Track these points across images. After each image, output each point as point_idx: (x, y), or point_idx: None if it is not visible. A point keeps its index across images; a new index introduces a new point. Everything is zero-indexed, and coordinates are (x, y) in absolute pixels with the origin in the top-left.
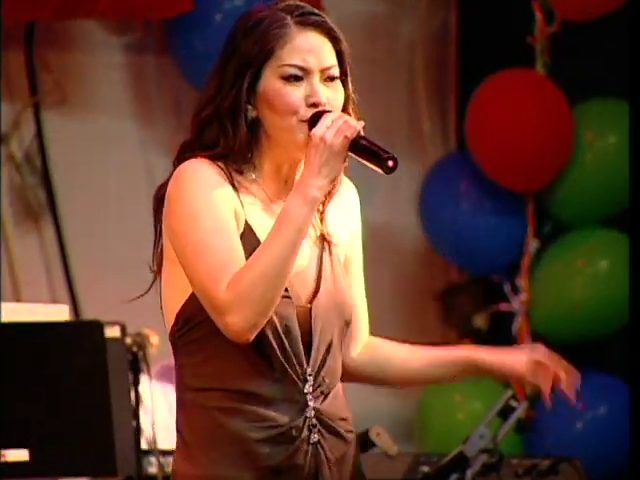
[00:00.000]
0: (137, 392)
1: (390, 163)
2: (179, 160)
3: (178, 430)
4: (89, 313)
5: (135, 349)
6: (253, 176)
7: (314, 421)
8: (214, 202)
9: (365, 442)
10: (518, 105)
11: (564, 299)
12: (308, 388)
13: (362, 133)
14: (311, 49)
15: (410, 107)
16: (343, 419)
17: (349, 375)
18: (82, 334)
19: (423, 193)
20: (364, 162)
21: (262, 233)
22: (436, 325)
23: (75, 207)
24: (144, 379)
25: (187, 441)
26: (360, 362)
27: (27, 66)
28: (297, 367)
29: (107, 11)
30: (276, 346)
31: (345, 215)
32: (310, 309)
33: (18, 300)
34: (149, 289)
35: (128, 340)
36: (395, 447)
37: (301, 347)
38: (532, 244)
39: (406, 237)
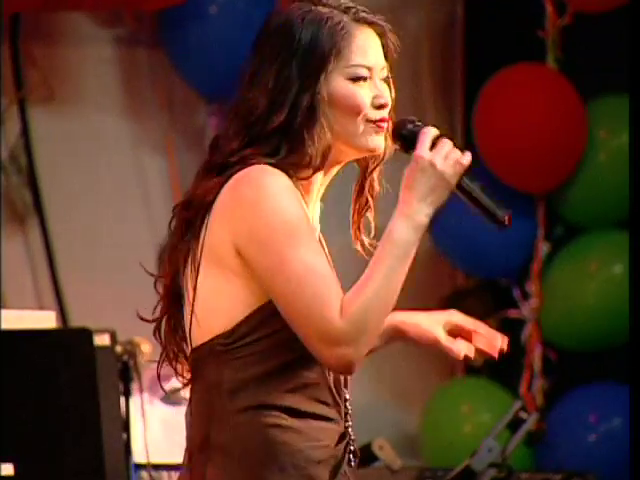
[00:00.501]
0: (127, 403)
1: (506, 220)
2: (223, 171)
3: (220, 448)
4: (77, 320)
5: (126, 358)
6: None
7: (352, 444)
8: (305, 219)
9: (368, 455)
10: (528, 102)
11: (577, 305)
12: (344, 409)
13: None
14: (372, 47)
15: (415, 103)
16: None
17: None
18: (70, 342)
19: None
20: (469, 204)
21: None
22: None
23: (63, 209)
24: (135, 389)
25: (239, 459)
26: None
27: (12, 60)
28: (340, 388)
29: (97, 3)
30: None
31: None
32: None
33: (2, 306)
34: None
35: (118, 348)
36: (399, 461)
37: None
38: (543, 247)
39: None
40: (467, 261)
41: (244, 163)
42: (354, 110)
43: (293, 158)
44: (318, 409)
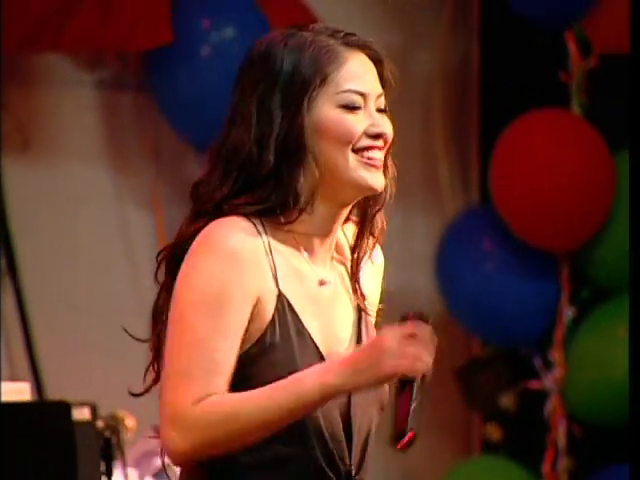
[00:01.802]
0: None
1: (399, 445)
2: (208, 212)
3: None
4: (54, 392)
5: (108, 434)
6: (292, 229)
7: None
8: (230, 293)
9: None
10: (550, 152)
11: (605, 376)
12: None
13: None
14: (366, 72)
15: (426, 153)
16: None
17: None
18: (46, 416)
19: (441, 253)
20: (396, 403)
21: (298, 300)
22: (456, 406)
23: (39, 270)
24: (118, 468)
25: None
26: None
27: None
28: (339, 464)
29: (77, 43)
30: (316, 442)
31: (373, 274)
32: (349, 396)
33: None
34: (151, 367)
35: (100, 423)
36: None
37: (343, 441)
38: (567, 312)
39: (421, 304)
40: (484, 327)
41: (228, 213)
42: (344, 139)
43: (280, 200)
44: None
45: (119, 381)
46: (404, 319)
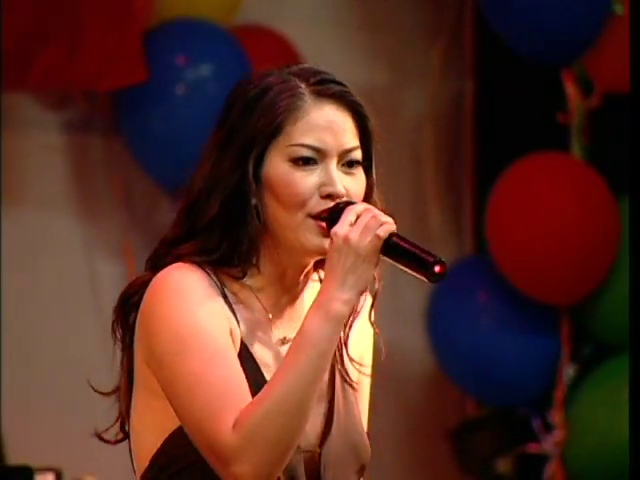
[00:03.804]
0: None
1: (437, 268)
2: (160, 261)
3: None
4: (16, 456)
5: None
6: (248, 283)
7: None
8: (206, 320)
9: None
10: (550, 198)
11: (608, 439)
12: None
13: (395, 230)
14: (329, 126)
15: (416, 198)
16: None
17: None
18: None
19: (432, 306)
20: (402, 267)
21: (260, 355)
22: (449, 471)
23: (3, 323)
24: None
25: None
26: None
27: None
28: None
29: (43, 81)
30: None
31: (358, 330)
32: (319, 455)
33: None
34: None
35: None
36: None
37: None
38: (568, 370)
39: (411, 361)
40: (479, 387)
41: (163, 262)
42: (291, 199)
43: (229, 252)
44: None
45: (85, 444)
46: (337, 210)
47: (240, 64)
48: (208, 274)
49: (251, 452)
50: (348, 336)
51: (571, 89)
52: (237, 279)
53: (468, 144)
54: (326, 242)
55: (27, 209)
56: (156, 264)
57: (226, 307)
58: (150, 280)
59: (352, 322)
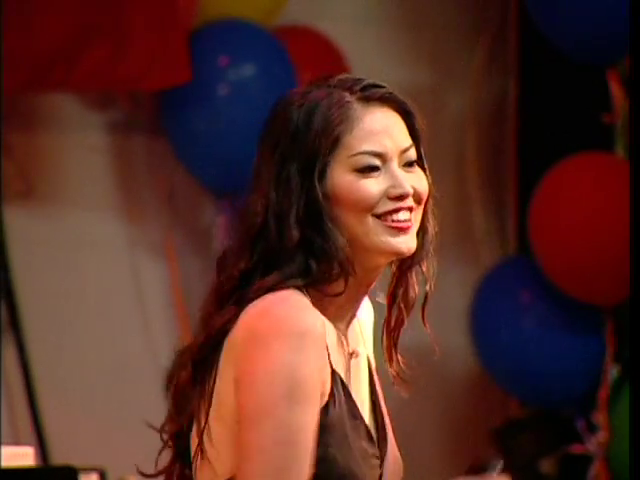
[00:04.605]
0: None
1: None
2: (239, 299)
3: None
4: (60, 457)
5: None
6: (336, 298)
7: None
8: (317, 377)
9: None
10: (593, 198)
11: None
12: None
13: None
14: (385, 130)
15: (459, 199)
16: None
17: None
18: None
19: (475, 307)
20: None
21: (345, 378)
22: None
23: (43, 326)
24: None
25: None
26: None
27: None
28: None
29: (87, 82)
30: None
31: (368, 330)
32: (380, 475)
33: None
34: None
35: None
36: None
37: None
38: (612, 370)
39: (454, 362)
40: (522, 387)
41: (265, 291)
42: (360, 206)
43: (323, 273)
44: None
45: (129, 444)
46: (471, 470)
47: (282, 65)
48: (311, 300)
49: None
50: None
51: (616, 89)
52: (338, 295)
53: (511, 144)
54: (398, 241)
55: (70, 209)
56: (238, 301)
57: (325, 352)
58: (238, 315)
59: (397, 336)
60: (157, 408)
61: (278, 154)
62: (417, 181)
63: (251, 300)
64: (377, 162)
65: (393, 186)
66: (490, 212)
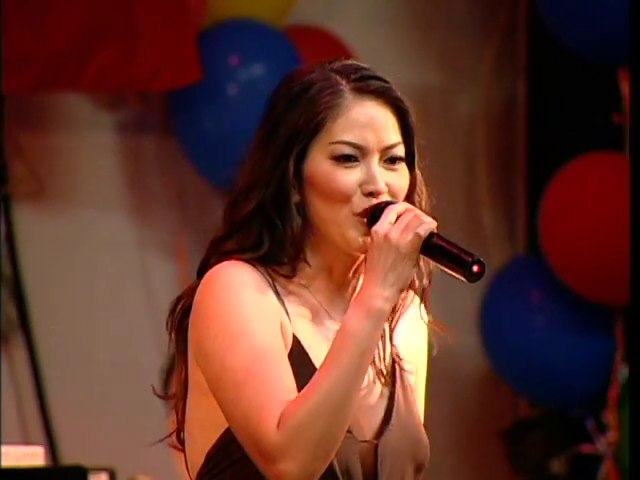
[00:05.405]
0: None
1: (475, 268)
2: (207, 263)
3: None
4: (70, 456)
5: None
6: (297, 279)
7: None
8: (256, 316)
9: None
10: (604, 198)
11: None
12: None
13: (436, 229)
14: (369, 123)
15: (469, 199)
16: None
17: None
18: None
19: (485, 307)
20: (440, 266)
21: (314, 349)
22: (502, 471)
23: (53, 325)
24: None
25: None
26: None
27: None
28: None
29: (96, 82)
30: None
31: (411, 329)
32: (376, 446)
33: None
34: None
35: None
36: None
37: None
38: (622, 370)
39: (464, 362)
40: (532, 387)
41: (213, 262)
42: (334, 196)
43: (269, 250)
44: None
45: (139, 443)
46: (378, 209)
47: (293, 64)
48: (258, 271)
49: (295, 449)
50: (393, 330)
51: (626, 88)
52: (287, 277)
53: (521, 144)
54: (368, 240)
55: (81, 209)
56: (205, 264)
57: (277, 302)
58: (200, 283)
59: (398, 318)
60: (167, 408)
61: (267, 128)
62: (394, 178)
63: (209, 267)
64: (355, 154)
65: (367, 182)
66: (500, 212)
